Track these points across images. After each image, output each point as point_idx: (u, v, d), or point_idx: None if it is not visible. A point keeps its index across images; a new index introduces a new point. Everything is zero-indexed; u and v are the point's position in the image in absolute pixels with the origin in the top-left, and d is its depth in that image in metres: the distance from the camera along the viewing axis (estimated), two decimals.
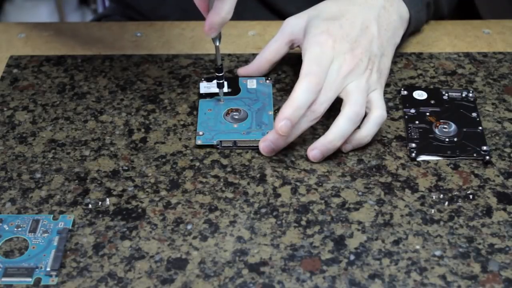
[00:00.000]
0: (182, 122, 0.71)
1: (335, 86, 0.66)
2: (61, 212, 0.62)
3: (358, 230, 0.61)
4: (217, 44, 0.68)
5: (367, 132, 0.67)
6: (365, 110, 0.66)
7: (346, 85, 0.67)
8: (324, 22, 0.69)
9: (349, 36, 0.68)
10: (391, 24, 0.72)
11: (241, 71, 0.75)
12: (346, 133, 0.66)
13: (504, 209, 0.62)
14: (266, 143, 0.66)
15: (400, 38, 0.74)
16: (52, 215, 0.62)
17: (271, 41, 0.74)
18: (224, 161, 0.67)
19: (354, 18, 0.69)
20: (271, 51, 0.74)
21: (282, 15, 0.87)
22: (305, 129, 0.66)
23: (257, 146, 0.67)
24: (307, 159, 0.67)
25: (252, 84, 0.74)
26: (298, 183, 0.65)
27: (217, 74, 0.70)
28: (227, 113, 0.71)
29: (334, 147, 0.66)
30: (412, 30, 0.77)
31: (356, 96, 0.66)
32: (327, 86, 0.66)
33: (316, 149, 0.66)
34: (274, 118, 0.70)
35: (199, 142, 0.68)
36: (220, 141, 0.68)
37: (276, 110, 0.72)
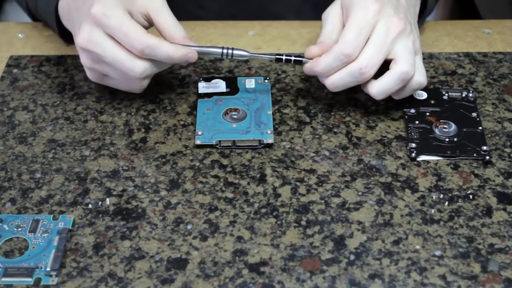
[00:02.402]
0: (182, 122, 0.71)
1: (384, 49, 0.66)
2: (61, 212, 0.62)
3: (358, 230, 0.61)
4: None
5: (402, 95, 0.69)
6: None
7: (394, 46, 0.67)
8: None
9: (391, 2, 0.68)
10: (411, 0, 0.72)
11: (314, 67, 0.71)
12: (392, 90, 0.67)
13: (504, 209, 0.62)
14: (306, 70, 0.68)
15: (417, 16, 0.74)
16: (52, 215, 0.62)
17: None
18: (224, 161, 0.67)
19: None
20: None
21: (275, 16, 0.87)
22: (351, 86, 0.68)
23: (256, 146, 0.67)
24: (307, 159, 0.67)
25: (250, 83, 0.74)
26: (298, 183, 0.65)
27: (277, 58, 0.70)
28: (226, 113, 0.71)
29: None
30: (428, 13, 0.78)
31: (407, 56, 0.66)
32: (376, 49, 0.66)
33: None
34: (273, 118, 0.71)
35: (198, 142, 0.68)
36: (219, 141, 0.68)
37: (276, 110, 0.72)
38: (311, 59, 0.68)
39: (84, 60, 0.68)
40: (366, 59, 0.66)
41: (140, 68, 0.66)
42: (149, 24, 0.69)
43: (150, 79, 0.69)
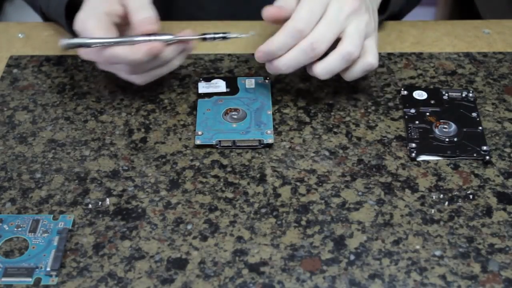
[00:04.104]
0: (182, 122, 0.71)
1: (336, 26, 0.66)
2: (61, 212, 0.62)
3: (358, 230, 0.61)
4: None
5: (352, 75, 0.68)
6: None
7: (347, 25, 0.67)
8: None
9: None
10: None
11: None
12: (335, 70, 0.67)
13: (504, 209, 0.62)
14: (259, 54, 0.68)
15: (377, 5, 0.74)
16: (52, 215, 0.62)
17: None
18: (224, 161, 0.67)
19: None
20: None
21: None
22: (303, 64, 0.67)
23: (256, 146, 0.67)
24: (307, 159, 0.67)
25: (250, 83, 0.74)
26: (298, 183, 0.65)
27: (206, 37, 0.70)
28: (226, 113, 0.71)
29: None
30: (390, 12, 0.78)
31: (354, 37, 0.66)
32: (328, 26, 0.66)
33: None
34: (273, 118, 0.71)
35: (198, 142, 0.68)
36: (219, 141, 0.68)
37: (276, 110, 0.72)
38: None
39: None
40: (318, 33, 0.66)
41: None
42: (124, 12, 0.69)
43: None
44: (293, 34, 0.66)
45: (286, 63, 0.67)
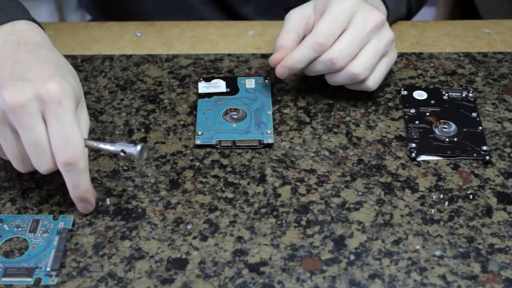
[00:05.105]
0: (182, 122, 0.71)
1: (358, 41, 0.67)
2: (61, 212, 0.62)
3: (358, 230, 0.61)
4: None
5: (336, 82, 0.70)
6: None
7: (368, 41, 0.67)
8: None
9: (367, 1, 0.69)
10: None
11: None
12: (339, 83, 0.69)
13: (504, 209, 0.62)
14: (282, 69, 0.68)
15: None
16: (52, 215, 0.62)
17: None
18: (224, 161, 0.67)
19: None
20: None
21: (239, 17, 0.87)
22: (322, 73, 0.69)
23: (256, 146, 0.67)
24: (307, 159, 0.67)
25: (250, 83, 0.74)
26: (298, 183, 0.65)
27: None
28: (226, 113, 0.71)
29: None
30: (391, 22, 0.79)
31: (367, 57, 0.67)
32: (349, 41, 0.66)
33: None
34: (273, 118, 0.71)
35: (198, 142, 0.68)
36: (219, 141, 0.68)
37: (276, 110, 0.72)
38: None
39: None
40: (339, 49, 0.66)
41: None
42: None
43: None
44: (314, 47, 0.66)
45: (308, 71, 0.69)
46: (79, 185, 0.58)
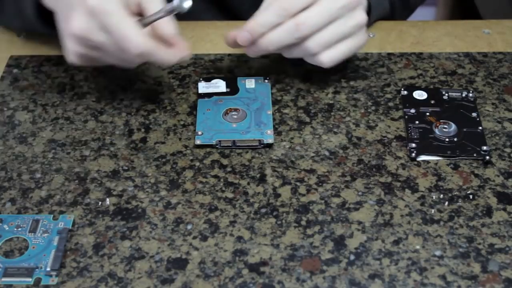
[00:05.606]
0: (182, 122, 0.71)
1: (327, 14, 0.67)
2: (61, 212, 0.62)
3: (358, 230, 0.61)
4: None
5: (290, 55, 0.70)
6: None
7: (338, 17, 0.67)
8: None
9: None
10: None
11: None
12: (282, 45, 0.68)
13: (504, 209, 0.62)
14: (243, 33, 0.68)
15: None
16: (52, 215, 0.62)
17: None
18: (224, 161, 0.67)
19: None
20: None
21: (235, 16, 0.87)
22: (286, 44, 0.68)
23: (256, 146, 0.67)
24: (307, 159, 0.67)
25: (250, 83, 0.74)
26: (298, 183, 0.65)
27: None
28: (226, 113, 0.71)
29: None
30: (375, 18, 0.79)
31: (325, 35, 0.67)
32: (318, 11, 0.66)
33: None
34: (273, 118, 0.71)
35: (198, 142, 0.68)
36: (219, 141, 0.68)
37: (276, 110, 0.72)
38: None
39: (75, 47, 0.65)
40: (305, 16, 0.66)
41: (139, 58, 0.65)
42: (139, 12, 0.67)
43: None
44: (278, 11, 0.66)
45: (268, 41, 0.67)
46: (163, 63, 0.66)
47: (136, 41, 0.62)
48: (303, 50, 0.68)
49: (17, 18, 0.75)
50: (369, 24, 0.77)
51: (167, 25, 0.66)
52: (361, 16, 0.69)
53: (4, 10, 0.76)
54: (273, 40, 0.67)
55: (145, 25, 0.65)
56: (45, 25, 0.72)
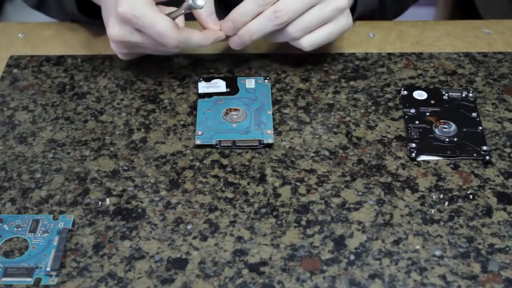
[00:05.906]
0: (182, 122, 0.71)
1: (304, 1, 0.68)
2: (61, 212, 0.62)
3: (358, 230, 0.61)
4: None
5: (274, 40, 0.72)
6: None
7: (316, 3, 0.68)
8: None
9: None
10: None
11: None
12: (263, 33, 0.70)
13: (504, 209, 0.62)
14: (227, 23, 0.70)
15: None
16: (52, 215, 0.62)
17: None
18: (224, 161, 0.67)
19: None
20: None
21: None
22: (268, 32, 0.69)
23: (256, 146, 0.67)
24: (307, 159, 0.67)
25: (250, 84, 0.74)
26: (298, 183, 0.65)
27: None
28: (226, 113, 0.71)
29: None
30: (362, 10, 0.79)
31: (305, 21, 0.69)
32: None
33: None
34: (273, 118, 0.71)
35: (198, 142, 0.68)
36: (219, 141, 0.68)
37: (276, 110, 0.72)
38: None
39: (117, 48, 0.71)
40: (283, 3, 0.67)
41: (178, 48, 0.69)
42: None
43: None
44: (257, 1, 0.68)
45: (250, 30, 0.69)
46: (200, 47, 0.70)
47: (171, 35, 0.66)
48: (284, 36, 0.70)
49: (62, 14, 0.82)
50: (359, 12, 0.78)
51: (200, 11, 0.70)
52: (341, 0, 0.70)
53: (49, 6, 0.83)
54: (253, 29, 0.69)
55: (174, 18, 0.68)
56: (88, 17, 0.78)
